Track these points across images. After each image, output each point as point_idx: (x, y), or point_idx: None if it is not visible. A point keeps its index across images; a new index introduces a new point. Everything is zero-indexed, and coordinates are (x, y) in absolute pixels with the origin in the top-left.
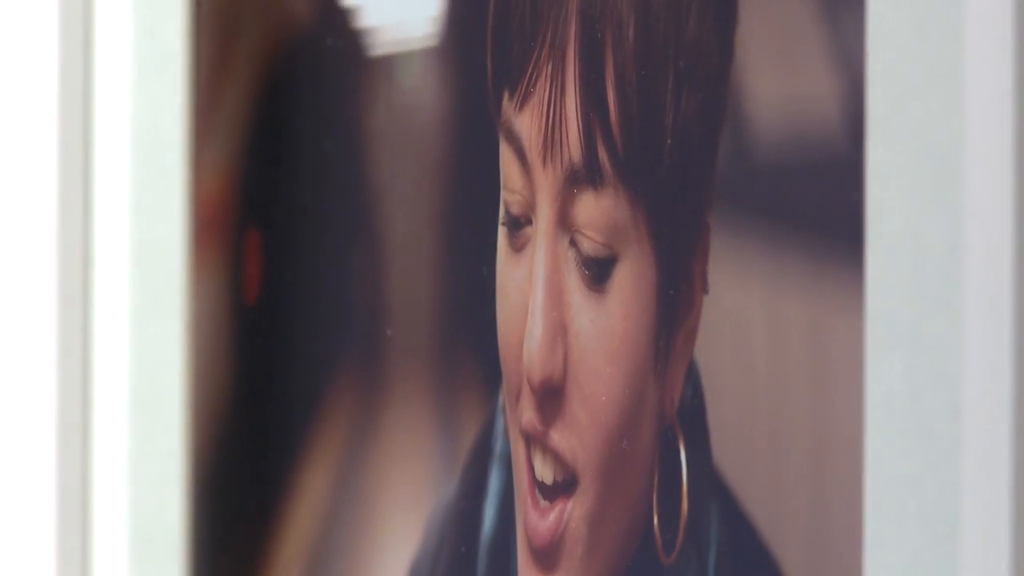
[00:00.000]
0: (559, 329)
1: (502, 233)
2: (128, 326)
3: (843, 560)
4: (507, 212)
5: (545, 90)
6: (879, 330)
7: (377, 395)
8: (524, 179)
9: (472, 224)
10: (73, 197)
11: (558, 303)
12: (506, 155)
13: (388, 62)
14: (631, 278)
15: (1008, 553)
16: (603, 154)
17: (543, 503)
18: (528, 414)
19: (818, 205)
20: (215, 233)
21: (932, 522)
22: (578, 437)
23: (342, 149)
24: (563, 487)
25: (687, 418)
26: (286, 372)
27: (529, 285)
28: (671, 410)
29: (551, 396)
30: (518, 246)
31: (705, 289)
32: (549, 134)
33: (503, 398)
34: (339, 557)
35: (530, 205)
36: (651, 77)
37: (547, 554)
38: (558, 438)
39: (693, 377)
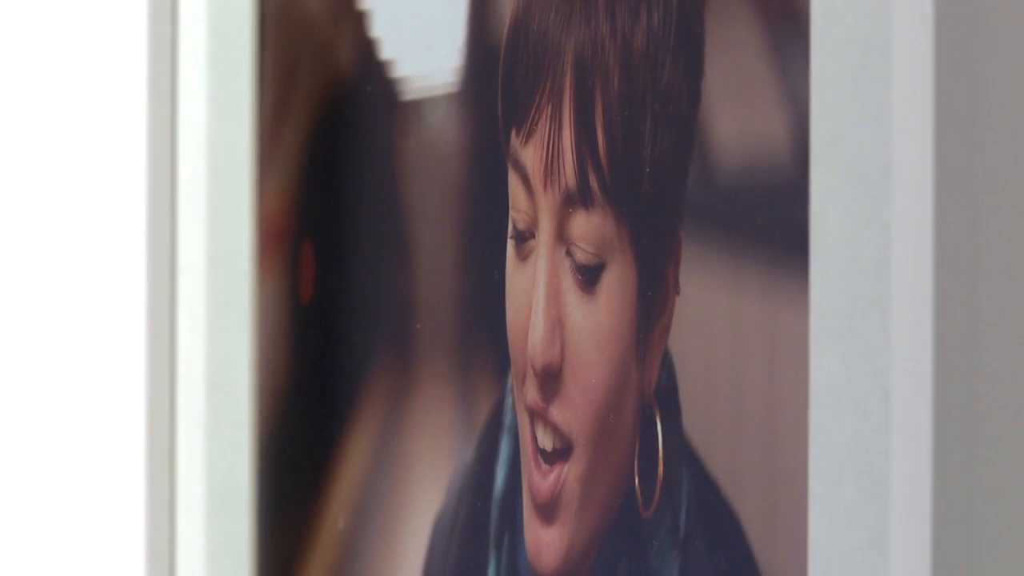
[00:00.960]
0: (557, 324)
1: (510, 245)
2: (206, 321)
3: (791, 513)
4: (514, 228)
5: (545, 128)
6: (820, 325)
7: (408, 377)
8: (528, 201)
9: (486, 237)
10: (162, 216)
11: (556, 302)
12: (513, 181)
13: (417, 105)
14: (616, 282)
15: (929, 510)
16: (593, 180)
17: (544, 466)
18: (532, 393)
19: (770, 221)
20: (276, 245)
21: (865, 483)
22: (573, 412)
23: (379, 176)
24: (560, 453)
25: (662, 397)
26: (334, 359)
27: (533, 288)
28: (649, 390)
29: (551, 379)
30: (523, 256)
31: (677, 291)
32: (549, 164)
33: (511, 380)
34: (377, 509)
35: (533, 222)
36: (632, 117)
37: (547, 508)
38: (556, 413)
39: (667, 363)
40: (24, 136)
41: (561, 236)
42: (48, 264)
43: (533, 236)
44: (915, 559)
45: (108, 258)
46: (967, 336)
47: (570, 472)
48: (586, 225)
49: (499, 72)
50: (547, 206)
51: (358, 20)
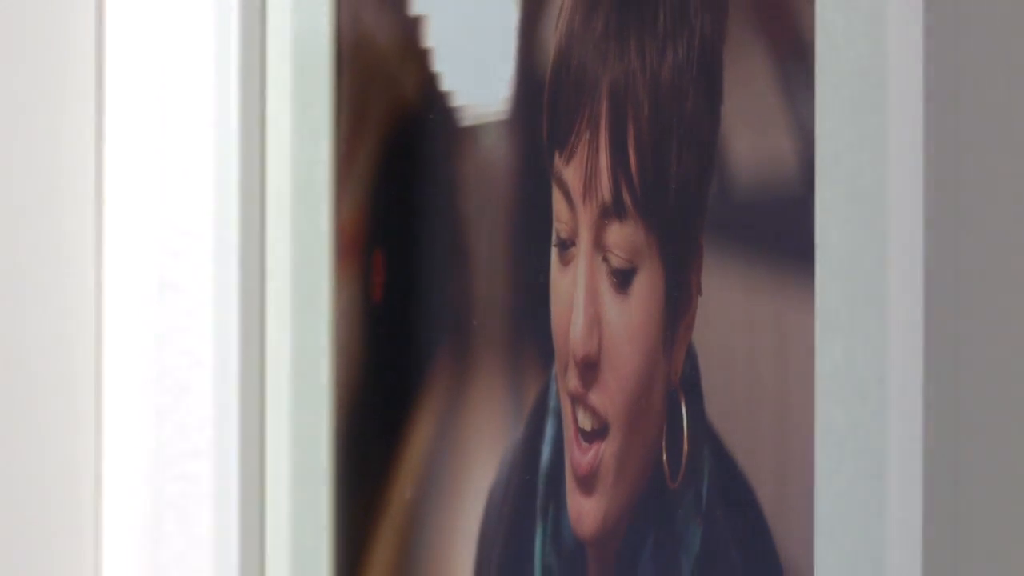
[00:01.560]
0: (595, 321)
1: (554, 252)
2: (291, 318)
3: (799, 485)
4: (557, 237)
5: (584, 150)
6: (824, 320)
7: (466, 367)
8: (570, 213)
9: (533, 245)
10: (252, 228)
11: (594, 302)
12: (557, 196)
13: (473, 130)
14: (646, 284)
15: (920, 482)
16: (626, 196)
17: (584, 444)
18: (573, 381)
19: (780, 230)
20: (351, 253)
21: (864, 459)
22: (609, 397)
23: (440, 192)
24: (598, 433)
25: (687, 384)
26: (402, 351)
27: (573, 289)
28: (675, 378)
29: (589, 368)
30: (566, 261)
31: (699, 291)
32: (588, 181)
33: (555, 370)
34: (439, 481)
35: (574, 232)
36: (660, 141)
37: (587, 481)
38: (594, 398)
39: (691, 354)
40: (139, 155)
41: (598, 244)
42: (162, 269)
43: (574, 244)
44: (907, 525)
45: (207, 263)
46: (953, 330)
47: (606, 449)
48: (620, 235)
49: (544, 102)
50: (586, 218)
51: (421, 57)
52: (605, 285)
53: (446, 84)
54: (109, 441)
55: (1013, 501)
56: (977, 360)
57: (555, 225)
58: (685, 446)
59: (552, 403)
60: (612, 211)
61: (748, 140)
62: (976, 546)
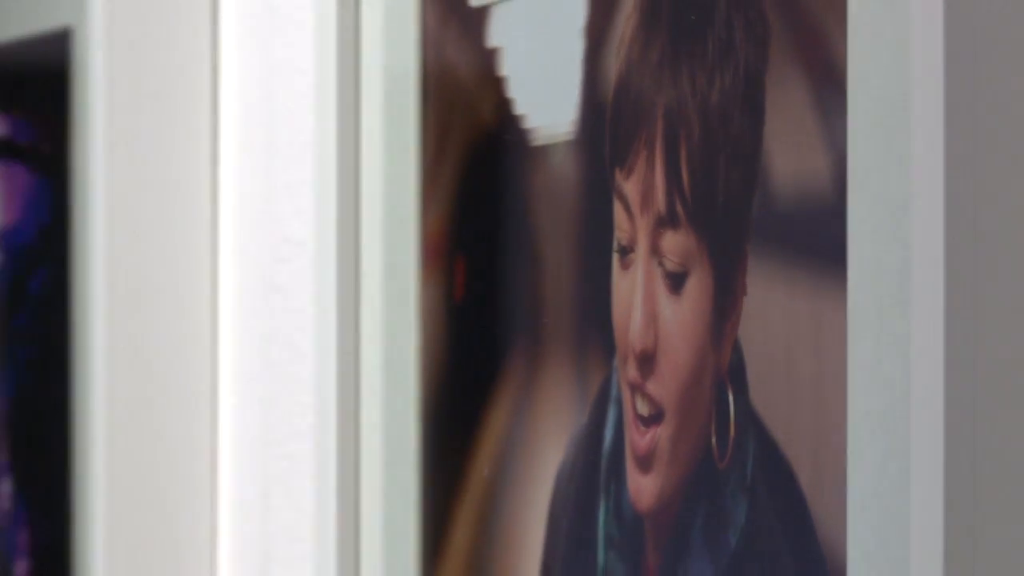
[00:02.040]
0: (652, 318)
1: (615, 258)
2: (382, 316)
3: (833, 466)
4: (618, 244)
5: (642, 167)
6: (856, 319)
7: (537, 360)
8: (629, 223)
9: (596, 251)
10: (348, 237)
11: (651, 302)
12: (617, 208)
13: (543, 149)
14: (697, 286)
15: (941, 463)
16: (679, 207)
17: (642, 428)
18: (632, 372)
19: (816, 238)
20: (436, 258)
21: (891, 441)
22: (664, 386)
23: (515, 204)
24: (655, 418)
25: (733, 374)
26: (480, 345)
27: (633, 291)
28: (723, 369)
29: (647, 361)
30: (625, 266)
31: (745, 292)
32: (645, 194)
33: (616, 362)
34: (514, 461)
35: (633, 240)
36: (709, 158)
37: (644, 460)
38: (651, 387)
39: (737, 348)
40: (249, 175)
41: (654, 250)
42: (270, 274)
43: (633, 250)
44: (929, 497)
45: (308, 269)
46: (970, 328)
47: (662, 433)
48: (673, 242)
49: (606, 124)
50: (643, 227)
51: (497, 84)
52: (660, 287)
53: (519, 108)
54: (223, 425)
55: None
56: (992, 354)
57: (616, 233)
58: (732, 430)
59: (614, 392)
60: (667, 221)
61: (787, 157)
62: (990, 514)
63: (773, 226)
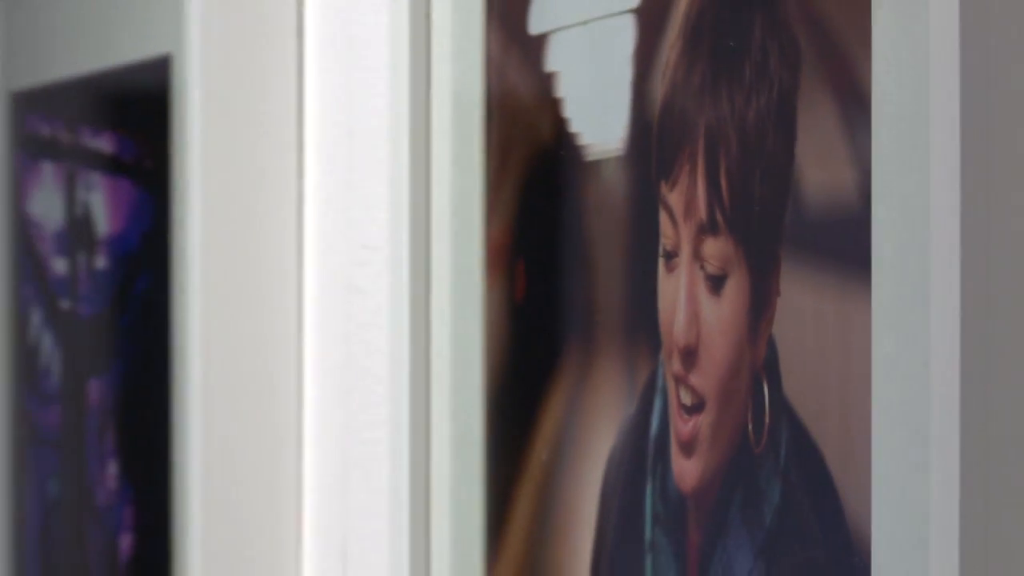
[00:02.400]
0: (694, 317)
1: (661, 262)
2: (450, 314)
3: (859, 450)
4: (664, 249)
5: (685, 180)
6: (879, 317)
7: (590, 354)
8: (673, 230)
9: (644, 256)
10: (419, 243)
11: (693, 302)
12: (663, 217)
13: (596, 164)
14: (735, 288)
15: (957, 446)
16: (719, 216)
17: (685, 417)
18: (676, 365)
19: (843, 243)
20: (499, 261)
21: (911, 428)
22: (705, 379)
23: (570, 213)
24: (697, 408)
25: (768, 368)
26: (539, 341)
27: (677, 292)
28: (759, 363)
29: (690, 355)
30: (670, 269)
31: (778, 293)
32: (688, 205)
33: (662, 356)
34: (569, 446)
35: (677, 246)
36: (746, 171)
37: (688, 446)
38: (694, 379)
39: (771, 344)
40: (331, 187)
41: (696, 255)
42: (349, 277)
43: (677, 255)
44: (947, 477)
45: (384, 272)
46: (984, 325)
47: (703, 421)
48: (714, 248)
49: (652, 141)
50: (686, 234)
51: (554, 105)
52: (702, 289)
53: (574, 127)
54: (307, 414)
55: None
56: (1002, 349)
57: (661, 240)
58: (767, 418)
59: (660, 383)
60: (707, 228)
61: (817, 170)
62: (1002, 493)
63: (804, 233)
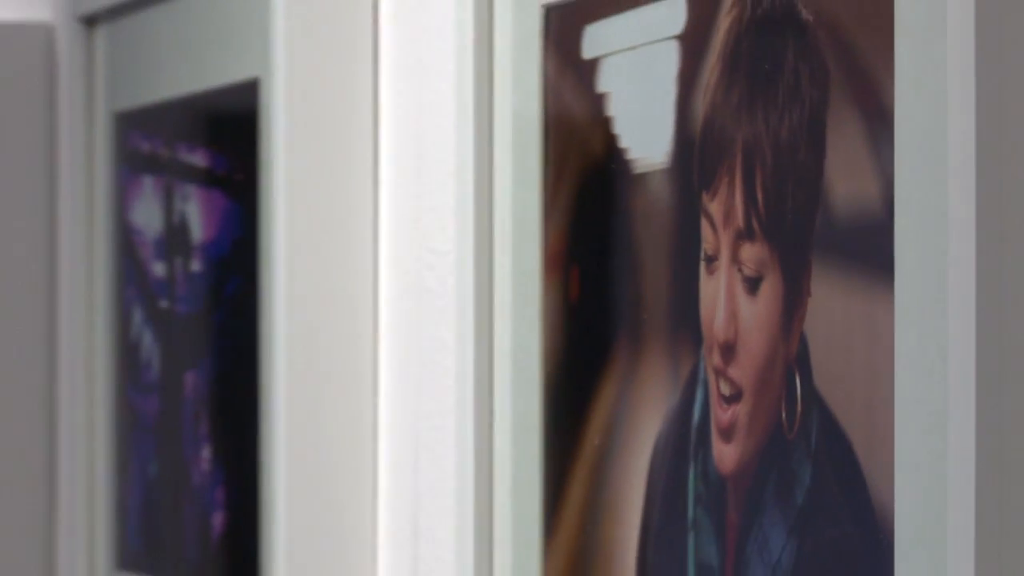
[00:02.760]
0: (733, 316)
1: (702, 265)
2: (511, 313)
3: (883, 437)
4: (705, 253)
5: (725, 190)
6: (902, 316)
7: (638, 349)
8: (714, 237)
9: (687, 260)
10: (483, 249)
11: (732, 302)
12: (704, 224)
13: (643, 176)
14: (770, 289)
15: (973, 431)
16: (755, 224)
17: (724, 406)
18: (716, 359)
19: (869, 248)
20: (555, 265)
21: (932, 416)
22: (743, 371)
23: (620, 221)
24: (735, 398)
25: (800, 361)
26: (592, 336)
27: (717, 292)
28: (791, 357)
29: (728, 350)
30: (711, 272)
31: (809, 294)
32: (727, 213)
33: (703, 351)
34: (619, 432)
35: (717, 250)
36: (780, 182)
37: (727, 432)
38: (732, 372)
39: (803, 340)
40: (403, 198)
41: (734, 259)
42: (421, 279)
43: (717, 259)
44: (963, 460)
45: (452, 274)
46: (997, 322)
47: (741, 410)
48: (750, 252)
49: (695, 155)
50: (726, 240)
51: (605, 123)
52: (740, 289)
53: (623, 143)
54: (383, 402)
55: None
56: (1015, 344)
57: (703, 245)
58: (799, 407)
59: (701, 375)
60: (744, 235)
61: (844, 182)
62: (1014, 472)
63: (833, 239)
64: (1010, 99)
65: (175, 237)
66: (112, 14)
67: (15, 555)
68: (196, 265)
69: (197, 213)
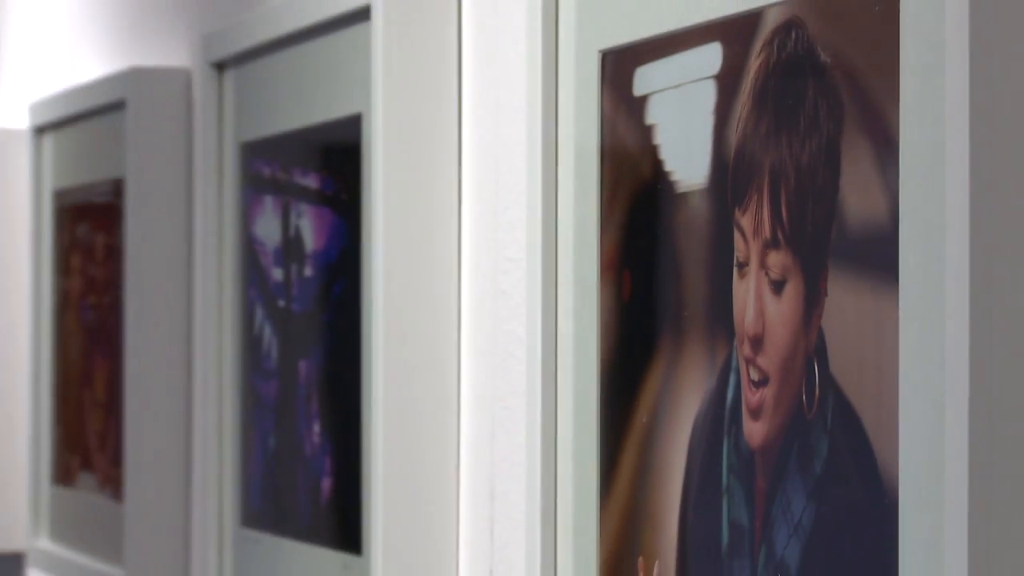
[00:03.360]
0: (760, 313)
1: (735, 270)
2: (573, 311)
3: (889, 413)
4: (737, 260)
5: (754, 206)
6: (906, 313)
7: (681, 341)
8: (744, 246)
9: (721, 266)
10: (549, 256)
11: (760, 301)
12: (736, 235)
13: (685, 195)
14: (793, 290)
15: (966, 413)
16: (780, 235)
17: (754, 390)
18: (747, 350)
19: (877, 255)
20: (610, 270)
21: (931, 396)
22: (769, 360)
23: (664, 233)
24: (762, 382)
25: (818, 352)
26: (642, 329)
27: (747, 293)
28: (811, 348)
29: (757, 342)
30: (742, 276)
31: (827, 294)
32: (756, 226)
33: (736, 343)
34: (664, 410)
35: (747, 258)
36: (801, 199)
37: (755, 412)
38: (760, 361)
39: (821, 334)
40: (483, 213)
41: (762, 265)
42: (496, 283)
43: (747, 265)
44: (959, 440)
45: (523, 278)
46: (989, 320)
47: (768, 393)
48: (776, 259)
49: (728, 176)
50: (755, 249)
51: (653, 150)
52: (767, 291)
53: (668, 167)
54: (464, 386)
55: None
56: (1003, 337)
57: (735, 253)
58: (817, 391)
59: (734, 364)
60: (771, 244)
61: (857, 198)
62: (1003, 445)
63: (846, 247)
64: (999, 129)
65: (291, 247)
66: (238, 60)
67: (156, 515)
68: (308, 271)
69: (309, 227)
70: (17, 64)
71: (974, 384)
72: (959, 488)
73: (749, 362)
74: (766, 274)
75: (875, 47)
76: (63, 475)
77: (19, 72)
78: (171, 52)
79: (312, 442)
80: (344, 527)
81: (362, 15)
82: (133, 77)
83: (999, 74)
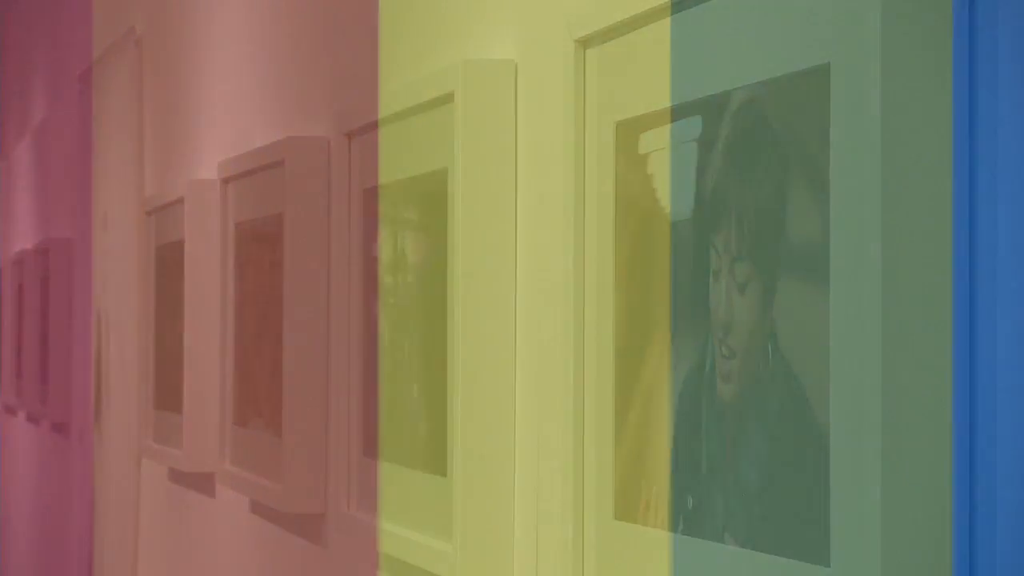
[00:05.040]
0: (730, 307)
1: (711, 276)
2: (596, 310)
3: (822, 380)
4: (712, 269)
5: (726, 231)
6: (835, 305)
7: (675, 327)
8: (718, 259)
9: (702, 273)
10: (579, 274)
11: (729, 299)
12: (712, 251)
13: (676, 224)
14: (753, 291)
15: (879, 374)
16: (743, 250)
17: (725, 362)
18: (720, 333)
19: (814, 263)
20: (621, 280)
21: (858, 364)
22: (736, 340)
23: (661, 251)
24: (731, 356)
25: (772, 334)
26: (644, 322)
27: (720, 293)
28: (767, 332)
29: (727, 328)
30: (716, 280)
31: (777, 292)
32: (726, 244)
33: (712, 328)
34: (661, 377)
35: (720, 267)
36: (759, 226)
37: (726, 377)
38: (730, 341)
39: (773, 321)
40: (535, 244)
41: (731, 272)
42: (533, 290)
43: (720, 273)
44: (872, 396)
45: (558, 293)
46: (893, 312)
47: (735, 364)
48: (741, 268)
49: (707, 211)
50: (726, 261)
51: (654, 193)
52: (734, 291)
53: (663, 204)
54: (520, 372)
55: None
56: (903, 326)
57: (711, 264)
58: (770, 363)
59: (710, 344)
60: (738, 258)
61: (799, 225)
62: (905, 393)
63: (792, 260)
64: (904, 177)
65: (397, 260)
66: (362, 130)
67: (305, 447)
68: (410, 278)
69: (410, 247)
70: (210, 133)
71: (886, 352)
72: (874, 420)
73: (721, 342)
74: (734, 279)
75: (812, 120)
76: (241, 419)
77: (211, 139)
78: (313, 124)
79: (412, 397)
80: (436, 456)
81: (448, 99)
82: (288, 144)
83: (904, 145)
